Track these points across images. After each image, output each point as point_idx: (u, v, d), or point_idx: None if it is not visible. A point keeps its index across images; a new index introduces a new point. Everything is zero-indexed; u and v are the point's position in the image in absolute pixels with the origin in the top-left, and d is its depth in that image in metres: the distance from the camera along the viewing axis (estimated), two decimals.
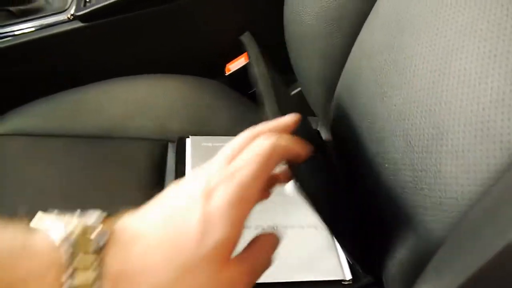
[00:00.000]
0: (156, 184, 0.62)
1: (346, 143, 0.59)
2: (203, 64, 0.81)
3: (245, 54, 0.75)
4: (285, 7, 0.67)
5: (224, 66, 0.78)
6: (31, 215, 0.53)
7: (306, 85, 0.68)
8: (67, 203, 0.57)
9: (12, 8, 0.81)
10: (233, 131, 0.65)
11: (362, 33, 0.54)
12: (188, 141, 0.64)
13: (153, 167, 0.64)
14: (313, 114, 0.75)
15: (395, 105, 0.40)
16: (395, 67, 0.41)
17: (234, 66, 0.75)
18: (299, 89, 0.77)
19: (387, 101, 0.41)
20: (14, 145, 0.64)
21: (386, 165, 0.41)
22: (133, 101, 0.73)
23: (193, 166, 0.61)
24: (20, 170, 0.61)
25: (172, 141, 0.69)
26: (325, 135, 0.72)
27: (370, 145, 0.44)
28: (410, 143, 0.37)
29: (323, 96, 0.65)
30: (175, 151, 0.67)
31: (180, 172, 0.60)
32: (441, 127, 0.33)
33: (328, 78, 0.61)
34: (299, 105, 0.77)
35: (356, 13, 0.57)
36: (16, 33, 0.79)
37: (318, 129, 0.73)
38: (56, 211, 0.57)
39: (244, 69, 0.74)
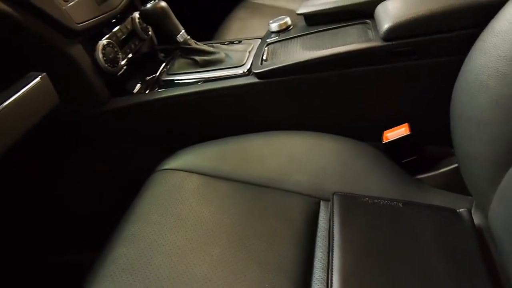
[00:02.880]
0: (308, 240, 0.66)
1: (507, 232, 0.57)
2: (360, 127, 0.85)
3: (405, 125, 0.77)
4: (456, 86, 0.68)
5: (380, 132, 0.80)
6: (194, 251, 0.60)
7: (468, 165, 0.67)
8: (229, 246, 0.64)
9: (197, 58, 0.93)
10: (385, 197, 0.67)
11: None
12: (340, 201, 0.67)
13: (306, 223, 0.68)
14: (467, 193, 0.73)
15: None
16: None
17: (392, 135, 0.77)
18: (455, 165, 0.76)
19: None
20: (190, 182, 0.73)
21: None
22: (293, 155, 0.78)
23: (343, 227, 0.64)
24: (193, 207, 0.69)
25: (324, 200, 0.73)
26: (478, 217, 0.70)
27: None
28: None
29: (486, 180, 0.64)
30: (327, 210, 0.72)
31: (332, 233, 0.63)
32: None
33: (498, 164, 0.60)
34: (454, 181, 0.77)
35: None
36: (197, 80, 0.92)
37: (472, 210, 0.71)
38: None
39: (402, 140, 0.76)
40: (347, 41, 0.82)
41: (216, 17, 1.45)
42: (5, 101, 0.63)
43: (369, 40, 0.80)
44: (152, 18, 0.91)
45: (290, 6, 1.46)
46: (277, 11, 1.42)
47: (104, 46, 0.87)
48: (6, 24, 0.73)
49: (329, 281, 0.56)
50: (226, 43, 1.02)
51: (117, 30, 0.94)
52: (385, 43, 0.77)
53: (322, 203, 0.72)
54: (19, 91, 0.65)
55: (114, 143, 0.93)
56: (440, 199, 0.74)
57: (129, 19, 1.00)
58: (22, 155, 0.86)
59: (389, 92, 0.82)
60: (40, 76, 0.68)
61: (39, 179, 0.98)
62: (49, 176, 0.97)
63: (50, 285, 0.98)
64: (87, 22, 0.83)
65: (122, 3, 0.96)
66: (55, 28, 0.77)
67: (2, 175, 0.94)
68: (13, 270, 1.01)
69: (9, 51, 0.77)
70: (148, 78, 1.00)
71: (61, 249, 1.03)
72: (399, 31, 0.75)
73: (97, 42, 0.87)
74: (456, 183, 0.76)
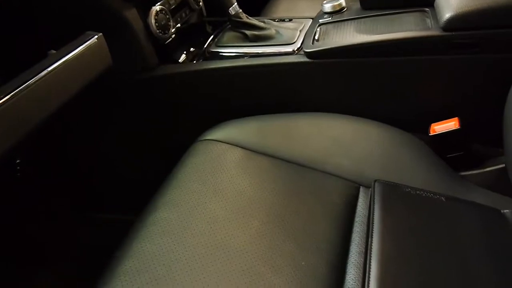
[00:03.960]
0: (346, 224, 0.65)
1: None
2: (406, 117, 0.83)
3: (455, 119, 0.75)
4: None
5: (427, 124, 0.79)
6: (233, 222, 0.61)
7: None
8: (267, 221, 0.64)
9: (248, 32, 0.93)
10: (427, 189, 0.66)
11: None
12: (382, 189, 0.67)
13: (344, 206, 0.67)
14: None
15: None
16: None
17: (440, 128, 0.75)
18: (502, 165, 0.74)
19: None
20: (232, 155, 0.73)
21: None
22: (336, 138, 0.78)
23: (383, 214, 0.63)
24: (233, 179, 0.69)
25: (364, 186, 0.72)
26: None
27: None
28: None
29: None
30: (367, 196, 0.71)
31: (372, 219, 0.62)
32: None
33: None
34: (499, 181, 0.75)
35: None
36: (244, 54, 0.91)
37: None
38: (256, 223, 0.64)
39: (450, 134, 0.74)
40: (403, 28, 0.80)
41: None
42: (62, 58, 0.64)
43: (427, 28, 0.78)
44: None
45: None
46: None
47: (157, 12, 0.87)
48: None
49: (367, 266, 0.55)
50: (277, 20, 1.01)
51: None
52: (445, 33, 0.74)
53: (361, 189, 0.71)
54: (76, 48, 0.67)
55: (158, 110, 0.94)
56: (483, 198, 0.73)
57: None
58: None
59: (441, 84, 0.80)
60: (96, 36, 0.69)
61: (82, 137, 1.00)
62: (92, 135, 1.00)
63: (90, 241, 1.02)
64: None
65: None
66: None
67: (47, 132, 0.97)
68: (52, 224, 1.06)
69: (68, 9, 0.78)
70: (193, 49, 1.00)
71: (102, 208, 1.07)
72: (461, 21, 0.73)
73: (151, 7, 0.87)
74: (501, 184, 0.74)
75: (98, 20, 0.80)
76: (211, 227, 0.61)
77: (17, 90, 0.57)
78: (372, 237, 0.59)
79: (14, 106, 0.56)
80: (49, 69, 0.62)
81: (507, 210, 0.66)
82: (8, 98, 0.55)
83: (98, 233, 1.03)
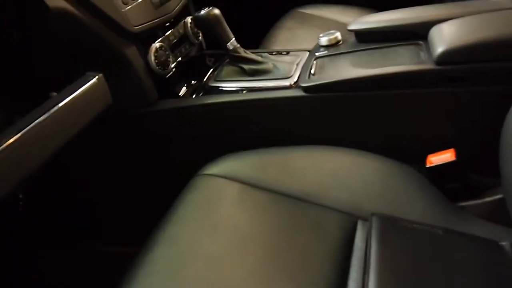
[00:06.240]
0: (344, 258, 0.65)
1: None
2: (403, 149, 0.84)
3: (451, 151, 0.75)
4: (509, 116, 0.66)
5: (424, 155, 0.79)
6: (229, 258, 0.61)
7: None
8: (264, 257, 0.65)
9: (245, 67, 0.95)
10: (425, 222, 0.66)
11: None
12: (379, 223, 0.67)
13: (342, 240, 0.68)
14: (511, 225, 0.71)
15: None
16: None
17: (437, 159, 0.76)
18: (500, 196, 0.74)
19: None
20: (229, 189, 0.74)
21: None
22: (334, 172, 0.78)
23: (380, 249, 0.63)
24: (231, 214, 0.71)
25: (362, 219, 0.73)
26: None
27: None
28: None
29: None
30: (365, 230, 0.71)
31: (368, 253, 0.62)
32: None
33: None
34: (497, 212, 0.75)
35: None
36: (243, 89, 0.93)
37: None
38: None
39: (447, 165, 0.75)
40: (398, 62, 0.81)
41: (264, 24, 1.46)
42: (64, 100, 0.66)
43: (421, 62, 0.79)
44: (205, 24, 0.93)
45: (338, 18, 1.46)
46: (325, 23, 1.42)
47: (156, 49, 0.89)
48: (69, 23, 0.76)
49: None
50: (274, 53, 1.03)
51: (169, 34, 0.97)
52: (437, 67, 0.76)
53: (359, 222, 0.71)
54: (76, 90, 0.68)
55: (158, 144, 0.95)
56: (482, 229, 0.73)
57: (182, 23, 1.03)
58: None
59: (437, 116, 0.81)
60: (96, 77, 0.71)
61: (84, 170, 1.02)
62: (93, 168, 1.01)
63: (85, 273, 1.02)
64: (144, 25, 0.86)
65: (177, 7, 0.99)
66: (114, 29, 0.81)
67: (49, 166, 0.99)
68: (54, 253, 1.07)
69: (69, 49, 0.81)
70: (193, 82, 1.02)
71: (103, 240, 1.08)
72: (454, 56, 0.74)
73: (150, 44, 0.90)
74: (499, 215, 0.74)
75: (99, 58, 0.83)
76: (208, 265, 0.61)
77: (22, 133, 0.58)
78: (368, 274, 0.59)
79: (19, 148, 0.58)
80: (51, 111, 0.63)
81: (505, 242, 0.66)
82: (13, 141, 0.57)
83: (98, 265, 1.03)
